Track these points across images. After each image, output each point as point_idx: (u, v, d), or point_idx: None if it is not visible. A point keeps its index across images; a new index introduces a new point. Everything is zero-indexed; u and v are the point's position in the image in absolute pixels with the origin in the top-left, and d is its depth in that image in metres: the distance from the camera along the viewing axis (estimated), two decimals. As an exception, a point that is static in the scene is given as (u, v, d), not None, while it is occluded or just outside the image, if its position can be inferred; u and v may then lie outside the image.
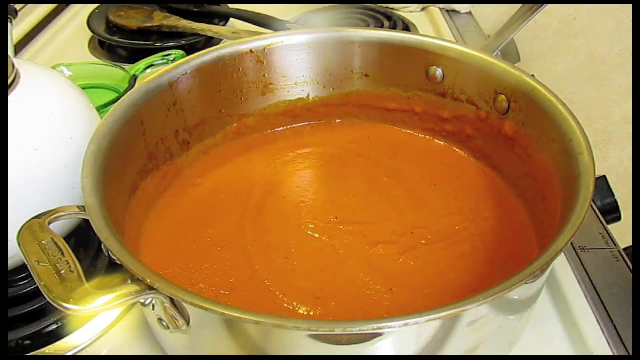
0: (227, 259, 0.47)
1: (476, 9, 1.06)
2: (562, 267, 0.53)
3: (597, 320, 0.48)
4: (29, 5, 0.98)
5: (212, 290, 0.45)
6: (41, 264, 0.35)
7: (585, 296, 0.50)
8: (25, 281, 0.51)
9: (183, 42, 0.88)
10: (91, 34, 0.93)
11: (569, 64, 1.16)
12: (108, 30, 0.92)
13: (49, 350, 0.47)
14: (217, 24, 0.92)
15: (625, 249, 0.56)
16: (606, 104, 1.19)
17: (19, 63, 0.49)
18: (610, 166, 1.24)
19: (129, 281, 0.36)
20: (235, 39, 0.64)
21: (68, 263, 0.35)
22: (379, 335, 0.34)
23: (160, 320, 0.37)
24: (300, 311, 0.43)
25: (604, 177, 0.71)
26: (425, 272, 0.46)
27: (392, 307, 0.43)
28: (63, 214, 0.40)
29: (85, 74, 0.74)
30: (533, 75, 0.51)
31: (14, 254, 0.46)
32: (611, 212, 0.67)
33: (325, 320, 0.41)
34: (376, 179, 0.56)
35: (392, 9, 1.02)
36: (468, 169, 0.57)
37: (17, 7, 0.79)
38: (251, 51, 0.57)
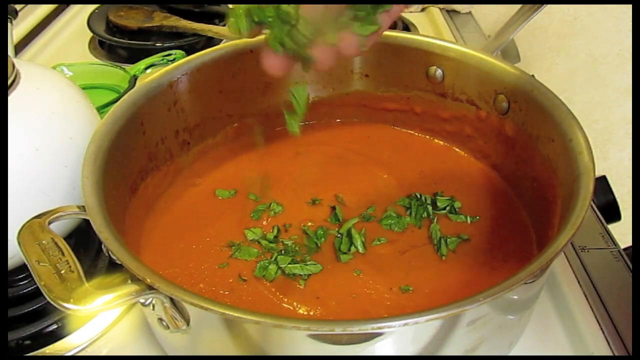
0: (226, 259, 0.47)
1: (476, 9, 1.06)
2: (562, 267, 0.53)
3: (597, 320, 0.48)
4: (29, 5, 0.98)
5: (212, 290, 0.45)
6: (41, 263, 0.35)
7: (585, 296, 0.50)
8: (25, 281, 0.51)
9: (183, 42, 0.88)
10: (91, 34, 0.93)
11: (569, 64, 1.16)
12: (108, 30, 0.92)
13: (49, 350, 0.47)
14: (217, 24, 0.92)
15: (625, 249, 0.56)
16: (606, 104, 1.19)
17: (19, 63, 0.49)
18: (610, 166, 1.23)
19: (129, 281, 0.36)
20: (235, 39, 0.64)
21: (68, 263, 0.35)
22: (379, 335, 0.34)
23: (160, 320, 0.37)
24: (300, 311, 0.43)
25: (604, 177, 0.71)
26: (426, 272, 0.46)
27: (392, 307, 0.43)
28: (63, 214, 0.40)
29: (85, 74, 0.74)
30: (533, 75, 0.51)
31: (14, 254, 0.46)
32: (611, 212, 0.67)
33: (325, 320, 0.41)
34: (376, 177, 0.56)
35: (392, 9, 1.01)
36: (468, 169, 0.57)
37: (17, 7, 0.79)
38: (251, 51, 0.57)
